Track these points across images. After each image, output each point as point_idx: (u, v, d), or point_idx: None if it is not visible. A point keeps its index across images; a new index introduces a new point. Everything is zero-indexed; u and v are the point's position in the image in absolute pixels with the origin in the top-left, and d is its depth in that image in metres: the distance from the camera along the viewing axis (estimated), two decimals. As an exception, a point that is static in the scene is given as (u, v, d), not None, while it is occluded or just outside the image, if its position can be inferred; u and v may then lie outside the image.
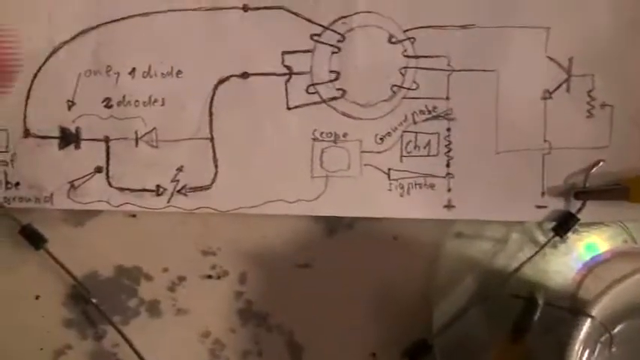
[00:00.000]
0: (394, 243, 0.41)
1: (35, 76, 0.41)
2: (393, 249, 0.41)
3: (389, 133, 0.41)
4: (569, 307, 0.32)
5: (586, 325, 0.31)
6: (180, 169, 0.41)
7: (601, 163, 0.40)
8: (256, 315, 0.41)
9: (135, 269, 0.41)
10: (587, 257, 0.41)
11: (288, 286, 0.41)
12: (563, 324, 0.31)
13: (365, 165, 0.41)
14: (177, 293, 0.41)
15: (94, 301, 0.40)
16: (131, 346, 0.39)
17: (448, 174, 0.41)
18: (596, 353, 0.35)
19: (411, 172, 0.41)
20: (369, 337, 0.40)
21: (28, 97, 0.41)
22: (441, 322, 0.40)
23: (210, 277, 0.41)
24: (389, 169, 0.41)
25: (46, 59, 0.41)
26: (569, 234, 0.41)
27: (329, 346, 0.40)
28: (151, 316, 0.41)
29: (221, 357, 0.40)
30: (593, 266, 0.40)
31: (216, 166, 0.41)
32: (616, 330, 0.34)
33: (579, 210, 0.40)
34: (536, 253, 0.40)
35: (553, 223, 0.40)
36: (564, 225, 0.40)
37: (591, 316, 0.31)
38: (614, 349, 0.33)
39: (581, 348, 0.31)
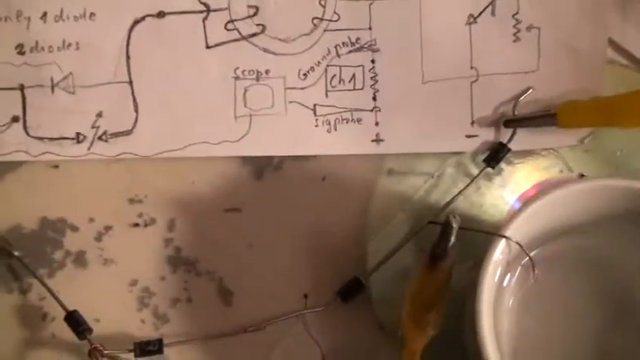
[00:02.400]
0: (324, 183, 0.40)
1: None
2: (323, 189, 0.40)
3: (312, 67, 0.39)
4: (485, 230, 0.31)
5: (500, 246, 0.30)
6: (99, 115, 0.40)
7: (530, 90, 0.38)
8: (185, 261, 0.40)
9: (59, 221, 0.40)
10: (523, 189, 0.40)
11: (217, 231, 0.40)
12: (480, 248, 0.30)
13: (289, 102, 0.40)
14: (104, 243, 0.40)
15: (16, 254, 0.39)
16: (56, 298, 0.38)
17: (375, 107, 0.39)
18: (515, 276, 0.34)
19: (337, 107, 0.39)
20: (300, 279, 0.39)
21: (-64, 47, 0.39)
22: (375, 260, 0.38)
23: (137, 225, 0.40)
24: (314, 105, 0.39)
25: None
26: (504, 166, 0.40)
27: (260, 290, 0.39)
28: (77, 267, 0.40)
29: (150, 305, 0.39)
30: (527, 197, 0.39)
31: (136, 111, 0.40)
32: (535, 252, 0.33)
33: (510, 139, 0.39)
34: (468, 185, 0.39)
35: (486, 153, 0.39)
36: (495, 155, 0.39)
37: (504, 236, 0.29)
38: (536, 272, 0.32)
39: (499, 270, 0.30)
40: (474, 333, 0.30)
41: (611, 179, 0.31)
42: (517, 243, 0.29)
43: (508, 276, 0.34)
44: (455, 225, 0.30)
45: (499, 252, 0.30)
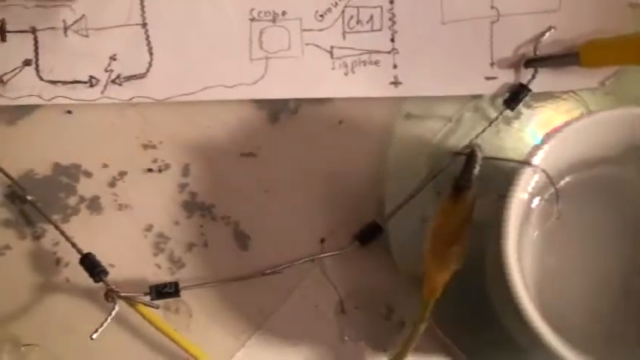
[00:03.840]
0: (341, 126, 0.40)
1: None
2: (340, 132, 0.40)
3: (329, 9, 0.39)
4: (511, 159, 0.30)
5: (527, 174, 0.29)
6: (113, 58, 0.39)
7: (552, 30, 0.38)
8: (201, 206, 0.39)
9: (73, 166, 0.39)
10: (543, 132, 0.39)
11: (232, 175, 0.39)
12: (503, 182, 0.30)
13: (306, 44, 0.39)
14: (118, 188, 0.39)
15: (29, 198, 0.38)
16: (70, 241, 0.37)
17: (393, 49, 0.39)
18: (540, 210, 0.33)
19: (355, 49, 0.39)
20: (317, 224, 0.39)
21: (-53, -11, 0.38)
22: (393, 204, 0.38)
23: (151, 170, 0.39)
24: (331, 47, 0.39)
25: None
26: (523, 110, 0.39)
27: (276, 235, 0.39)
28: (91, 213, 0.39)
29: (165, 250, 0.39)
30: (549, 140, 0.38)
31: (150, 53, 0.39)
32: (559, 184, 0.32)
33: (530, 80, 0.38)
34: (487, 127, 0.38)
35: (506, 95, 0.38)
36: (515, 97, 0.38)
37: (531, 164, 0.29)
38: (560, 206, 0.31)
39: (524, 202, 0.29)
40: (499, 266, 0.29)
41: (637, 108, 0.30)
42: (543, 170, 0.28)
43: (532, 208, 0.33)
44: (479, 154, 0.30)
45: (526, 181, 0.29)
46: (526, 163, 0.29)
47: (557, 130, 0.30)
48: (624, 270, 0.34)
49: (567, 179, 0.34)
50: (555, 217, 0.32)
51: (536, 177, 0.29)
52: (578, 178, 0.34)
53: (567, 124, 0.30)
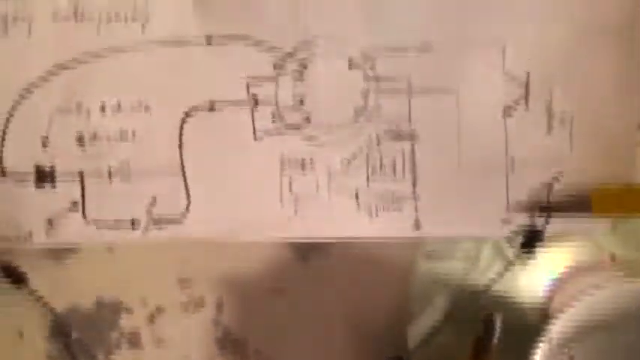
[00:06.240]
0: (366, 266, 0.42)
1: (10, 115, 0.42)
2: (366, 271, 0.42)
3: (354, 155, 0.41)
4: (532, 328, 0.32)
5: (543, 349, 0.31)
6: (153, 202, 0.42)
7: (562, 177, 0.40)
8: (234, 342, 0.42)
9: (114, 302, 0.42)
10: (557, 272, 0.41)
11: (264, 311, 0.42)
12: (525, 345, 0.32)
13: (333, 189, 0.41)
14: (156, 324, 0.42)
15: (74, 336, 0.41)
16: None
17: (414, 194, 0.41)
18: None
19: (378, 194, 0.41)
20: (345, 358, 0.41)
21: (3, 137, 0.42)
22: (416, 341, 0.40)
23: (187, 306, 0.42)
24: (356, 192, 0.41)
25: (20, 99, 0.42)
26: (537, 249, 0.41)
27: (305, 370, 0.41)
28: (131, 347, 0.42)
29: (200, 385, 0.41)
30: (562, 281, 0.40)
31: (188, 197, 0.42)
32: (577, 349, 0.34)
33: (544, 225, 0.40)
34: (503, 272, 0.40)
35: (521, 238, 0.41)
36: (531, 241, 0.40)
37: (548, 338, 0.31)
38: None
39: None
40: None
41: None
42: (559, 345, 0.30)
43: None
44: (498, 325, 0.32)
45: (543, 353, 0.31)
46: (544, 335, 0.31)
47: (572, 299, 0.32)
48: None
49: (581, 346, 0.36)
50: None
51: (550, 348, 0.31)
52: (591, 345, 0.35)
53: (582, 293, 0.32)
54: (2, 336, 0.42)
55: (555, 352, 0.32)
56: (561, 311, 0.34)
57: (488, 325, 0.32)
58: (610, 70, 0.40)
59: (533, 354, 0.31)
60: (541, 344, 0.31)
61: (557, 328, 0.32)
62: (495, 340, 0.32)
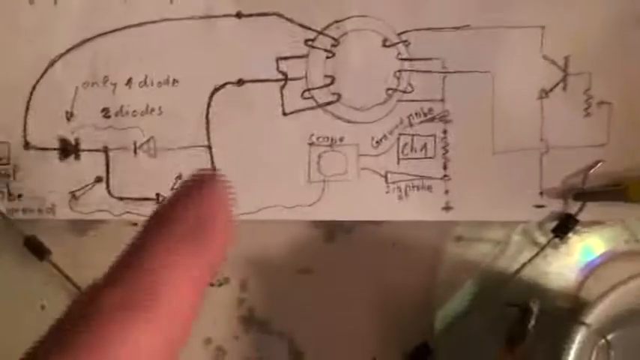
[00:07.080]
0: (394, 247, 0.41)
1: (34, 88, 0.41)
2: (393, 253, 0.41)
3: (385, 136, 0.41)
4: (565, 314, 0.32)
5: (580, 334, 0.30)
6: (179, 178, 0.41)
7: (599, 164, 0.39)
8: (258, 322, 0.41)
9: (137, 277, 0.41)
10: (589, 258, 0.41)
11: (288, 292, 0.41)
12: (559, 330, 0.31)
13: (362, 169, 0.41)
14: (179, 300, 0.41)
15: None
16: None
17: (445, 176, 0.40)
18: (593, 358, 0.34)
19: (408, 175, 0.41)
20: (369, 342, 0.40)
21: (27, 110, 0.41)
22: (442, 326, 0.39)
23: (211, 284, 0.41)
24: (386, 172, 0.41)
25: (44, 72, 0.41)
26: (570, 234, 0.41)
27: (330, 352, 0.40)
28: (153, 323, 0.41)
29: (223, 364, 0.41)
30: (594, 267, 0.40)
31: (214, 174, 0.41)
32: (612, 336, 0.34)
33: (578, 211, 0.39)
34: (535, 256, 0.40)
35: (553, 224, 0.40)
36: (564, 226, 0.39)
37: (586, 324, 0.30)
38: (612, 353, 0.32)
39: (578, 355, 0.31)
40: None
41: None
42: (596, 331, 0.30)
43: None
44: (535, 310, 0.31)
45: (579, 340, 0.30)
46: (581, 322, 0.31)
47: (611, 288, 0.31)
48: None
49: (620, 330, 0.35)
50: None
51: (587, 334, 0.31)
52: (628, 333, 0.35)
53: (620, 283, 0.31)
54: (25, 309, 0.41)
55: (592, 339, 0.31)
56: (594, 298, 0.33)
57: (526, 311, 0.31)
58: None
59: (569, 341, 0.30)
60: (577, 331, 0.30)
61: (592, 316, 0.31)
62: (531, 328, 0.31)
